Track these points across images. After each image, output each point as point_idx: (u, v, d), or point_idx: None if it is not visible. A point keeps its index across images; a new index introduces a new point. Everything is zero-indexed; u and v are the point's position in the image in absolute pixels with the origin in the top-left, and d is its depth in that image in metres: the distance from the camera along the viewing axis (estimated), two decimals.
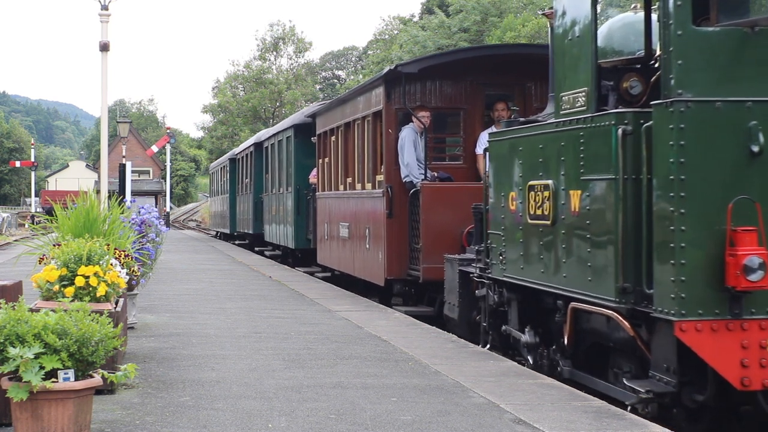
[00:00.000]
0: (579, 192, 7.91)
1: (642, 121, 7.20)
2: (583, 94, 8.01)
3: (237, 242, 37.28)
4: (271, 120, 68.42)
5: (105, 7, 18.11)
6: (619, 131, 7.31)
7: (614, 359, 8.09)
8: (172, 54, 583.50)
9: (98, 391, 6.57)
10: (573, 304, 8.15)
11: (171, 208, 74.23)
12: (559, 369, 8.73)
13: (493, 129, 12.82)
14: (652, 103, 7.14)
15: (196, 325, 11.71)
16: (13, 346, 5.46)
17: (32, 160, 79.95)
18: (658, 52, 7.61)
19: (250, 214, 32.33)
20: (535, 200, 8.79)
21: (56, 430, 5.46)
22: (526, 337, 9.39)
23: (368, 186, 15.36)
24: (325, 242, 18.99)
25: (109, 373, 5.96)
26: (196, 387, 7.76)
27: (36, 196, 75.00)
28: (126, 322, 9.29)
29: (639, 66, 8.11)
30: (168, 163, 65.82)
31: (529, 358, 9.42)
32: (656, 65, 7.85)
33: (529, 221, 8.92)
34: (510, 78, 14.33)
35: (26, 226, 50.00)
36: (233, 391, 7.59)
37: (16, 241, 38.23)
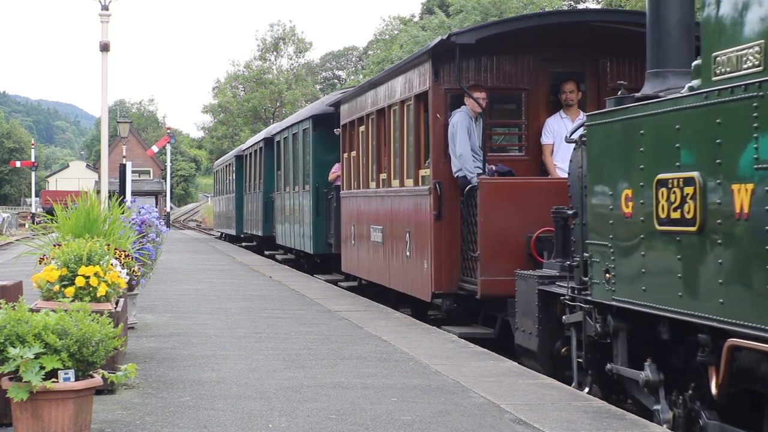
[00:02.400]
0: (749, 187, 5.83)
1: None
2: (757, 49, 5.96)
3: (244, 244, 35.58)
4: (271, 120, 68.38)
5: (105, 7, 18.11)
6: None
7: None
8: (172, 54, 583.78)
9: (98, 391, 6.57)
10: (732, 340, 6.04)
11: (171, 208, 74.24)
12: (701, 422, 6.71)
13: (561, 114, 11.76)
14: None
15: (196, 325, 11.71)
16: (14, 346, 5.46)
17: (32, 160, 79.91)
18: None
19: (259, 214, 30.28)
20: (668, 199, 6.73)
21: (56, 430, 5.46)
22: (646, 373, 7.17)
23: (409, 182, 13.27)
24: (351, 248, 16.92)
25: (109, 373, 5.96)
26: (196, 387, 7.76)
27: (36, 196, 74.97)
28: (126, 322, 9.29)
29: None
30: (168, 163, 65.87)
31: (651, 403, 7.26)
32: None
33: (658, 227, 6.78)
34: (579, 53, 12.18)
35: (26, 226, 50.04)
36: (233, 391, 7.59)
37: (16, 241, 38.23)
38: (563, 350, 8.90)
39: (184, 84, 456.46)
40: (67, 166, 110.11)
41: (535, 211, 10.54)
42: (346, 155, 17.44)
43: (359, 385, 7.91)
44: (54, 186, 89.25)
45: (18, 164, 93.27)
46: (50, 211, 10.79)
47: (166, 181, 65.12)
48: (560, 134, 11.32)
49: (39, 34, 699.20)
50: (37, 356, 5.45)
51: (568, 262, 8.79)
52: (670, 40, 7.72)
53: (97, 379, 5.72)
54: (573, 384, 8.34)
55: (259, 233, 30.23)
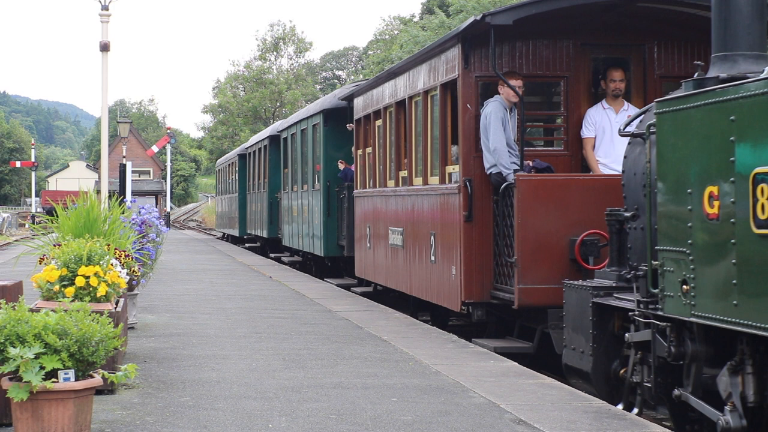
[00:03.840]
0: None
1: None
2: None
3: (247, 245, 34.50)
4: (271, 120, 68.39)
5: (105, 7, 18.12)
6: None
7: None
8: (172, 54, 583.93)
9: (98, 391, 6.57)
10: None
11: (171, 208, 74.26)
12: None
13: (604, 105, 10.78)
14: None
15: (196, 325, 11.71)
16: (14, 346, 5.46)
17: (32, 160, 79.97)
18: None
19: (263, 215, 29.02)
20: None
21: (56, 430, 5.46)
22: (726, 419, 6.20)
23: (433, 180, 12.15)
24: (366, 251, 15.75)
25: (109, 373, 5.96)
26: (196, 387, 7.76)
27: (36, 196, 75.02)
28: (126, 322, 9.30)
29: None
30: (168, 163, 65.89)
31: None
32: None
33: (756, 230, 5.80)
34: (624, 38, 11.14)
35: (26, 226, 50.03)
36: (233, 391, 7.59)
37: (16, 241, 38.24)
38: (622, 372, 7.81)
39: (184, 84, 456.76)
40: (67, 166, 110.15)
41: (579, 212, 9.70)
42: (360, 152, 16.40)
43: (359, 385, 7.91)
44: (54, 186, 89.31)
45: (18, 164, 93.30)
46: (50, 211, 10.80)
47: (166, 181, 65.14)
48: (603, 127, 10.71)
49: (39, 34, 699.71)
50: (37, 356, 5.46)
51: (625, 271, 7.94)
52: (740, 19, 6.88)
53: (97, 379, 5.72)
54: (635, 411, 7.39)
55: (264, 234, 29.13)
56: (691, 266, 6.45)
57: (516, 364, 9.14)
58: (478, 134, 10.68)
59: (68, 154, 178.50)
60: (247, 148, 34.63)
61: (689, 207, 6.45)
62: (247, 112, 74.80)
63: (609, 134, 10.61)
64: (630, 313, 7.45)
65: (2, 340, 5.50)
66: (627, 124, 8.27)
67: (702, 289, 6.36)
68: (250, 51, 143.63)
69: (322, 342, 10.38)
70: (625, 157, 8.23)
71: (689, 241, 6.47)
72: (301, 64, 79.53)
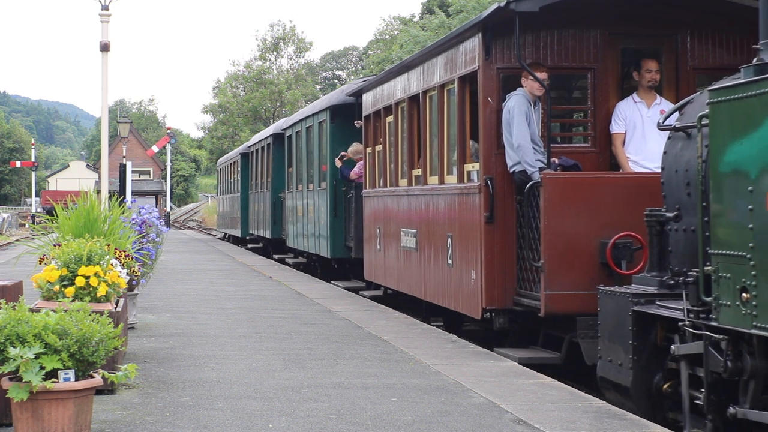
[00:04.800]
0: None
1: None
2: None
3: (250, 246, 33.98)
4: (271, 120, 68.41)
5: (105, 7, 18.11)
6: None
7: None
8: (172, 54, 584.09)
9: (98, 391, 6.57)
10: None
11: (171, 208, 74.27)
12: None
13: (635, 98, 10.15)
14: None
15: (196, 325, 11.71)
16: (14, 346, 5.46)
17: (32, 160, 79.97)
18: None
19: (266, 215, 28.18)
20: None
21: (56, 430, 5.46)
22: None
23: (450, 179, 11.51)
24: (376, 253, 15.06)
25: (109, 373, 5.96)
26: (196, 387, 7.76)
27: (36, 196, 75.03)
28: (126, 322, 9.30)
29: None
30: (168, 163, 65.92)
31: None
32: None
33: None
34: (655, 27, 10.47)
35: (27, 226, 50.03)
36: (233, 391, 7.59)
37: (16, 241, 38.24)
38: (665, 386, 7.17)
39: (184, 84, 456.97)
40: (67, 166, 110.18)
41: (610, 213, 9.08)
42: (369, 150, 15.71)
43: (359, 385, 7.91)
44: (54, 186, 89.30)
45: (18, 164, 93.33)
46: (50, 212, 10.80)
47: (166, 181, 65.15)
48: (634, 122, 10.10)
49: (39, 34, 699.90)
50: (37, 356, 5.46)
51: (667, 277, 7.32)
52: None
53: (97, 379, 5.73)
54: (685, 431, 6.78)
55: (267, 235, 28.36)
56: (753, 272, 5.82)
57: (516, 364, 9.14)
58: (500, 130, 10.08)
59: (68, 154, 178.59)
60: (249, 146, 34.12)
61: (750, 206, 5.83)
62: (247, 112, 74.83)
63: (640, 129, 10.06)
64: (679, 323, 6.73)
65: (2, 340, 5.50)
66: (666, 117, 7.74)
67: (766, 297, 5.73)
68: (250, 51, 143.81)
69: (322, 342, 10.38)
70: (664, 152, 7.60)
71: (750, 245, 5.84)
72: (301, 64, 79.58)
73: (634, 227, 8.80)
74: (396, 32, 73.90)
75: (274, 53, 78.39)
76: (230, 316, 12.68)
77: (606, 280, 8.82)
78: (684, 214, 7.11)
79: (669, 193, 7.55)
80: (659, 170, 8.41)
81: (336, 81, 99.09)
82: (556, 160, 9.96)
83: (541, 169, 9.55)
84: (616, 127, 10.23)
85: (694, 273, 6.56)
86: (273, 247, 28.61)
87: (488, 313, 10.12)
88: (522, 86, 9.98)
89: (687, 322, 6.60)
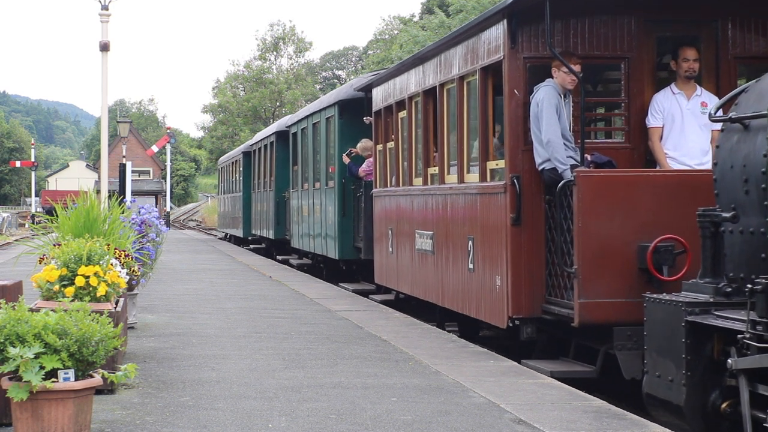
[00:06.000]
0: None
1: None
2: None
3: (252, 247, 33.36)
4: (271, 120, 68.42)
5: (105, 7, 18.11)
6: None
7: None
8: (172, 54, 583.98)
9: (98, 391, 6.57)
10: None
11: (171, 208, 74.29)
12: None
13: (674, 89, 9.46)
14: None
15: (196, 325, 11.71)
16: (14, 346, 5.46)
17: (32, 160, 80.00)
18: None
19: (270, 215, 27.58)
20: None
21: (56, 430, 5.46)
22: None
23: (471, 178, 10.79)
24: (388, 256, 14.36)
25: (109, 372, 5.96)
26: (196, 387, 7.76)
27: (36, 196, 75.07)
28: (126, 322, 9.30)
29: None
30: (168, 163, 65.96)
31: None
32: None
33: None
34: (693, 13, 9.80)
35: (26, 226, 50.07)
36: (233, 391, 7.59)
37: (16, 241, 38.23)
38: (724, 405, 6.44)
39: (184, 84, 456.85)
40: (67, 166, 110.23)
41: (649, 214, 8.39)
42: (380, 146, 14.98)
43: (359, 385, 7.91)
44: (54, 186, 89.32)
45: (18, 164, 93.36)
46: (50, 211, 10.79)
47: (166, 181, 65.19)
48: (672, 115, 9.41)
49: (39, 34, 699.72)
50: (37, 356, 5.46)
51: (723, 284, 6.63)
52: None
53: (97, 379, 5.72)
54: None
55: (270, 235, 27.73)
56: None
57: (515, 363, 9.13)
58: (527, 124, 9.39)
59: (68, 153, 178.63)
60: (251, 145, 33.60)
61: None
62: (247, 111, 74.87)
63: (679, 123, 9.39)
64: (739, 336, 6.07)
65: (2, 340, 5.50)
66: (719, 107, 7.16)
67: None
68: (250, 51, 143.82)
69: (322, 342, 10.38)
70: (717, 146, 6.90)
71: None
72: (301, 64, 79.61)
73: (675, 229, 8.22)
74: (396, 32, 73.90)
75: (274, 53, 78.43)
76: (230, 316, 12.68)
77: (645, 287, 8.13)
78: (741, 214, 6.46)
79: (723, 191, 6.77)
80: (700, 167, 8.02)
81: (336, 81, 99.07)
82: (589, 157, 9.30)
83: (572, 167, 8.89)
84: (653, 121, 9.50)
85: (763, 280, 5.85)
86: (276, 248, 28.16)
87: (514, 322, 9.44)
88: (552, 77, 9.30)
89: (749, 335, 5.93)
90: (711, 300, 6.60)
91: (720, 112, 7.16)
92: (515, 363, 9.14)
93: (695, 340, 6.55)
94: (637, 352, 7.97)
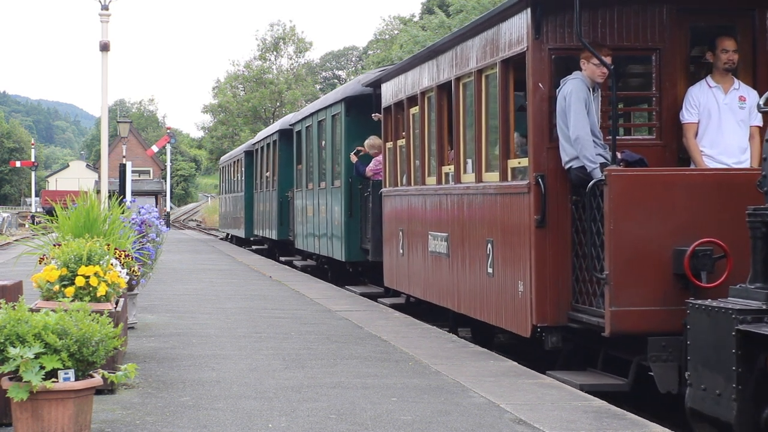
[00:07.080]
0: None
1: None
2: None
3: (254, 248, 32.60)
4: (271, 120, 68.42)
5: (105, 7, 18.12)
6: None
7: None
8: (172, 54, 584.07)
9: (98, 391, 6.57)
10: None
11: (171, 208, 74.29)
12: None
13: (710, 83, 8.90)
14: None
15: (196, 325, 11.71)
16: (14, 346, 5.46)
17: (32, 160, 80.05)
18: None
19: (273, 215, 26.94)
20: None
21: (56, 430, 5.46)
22: None
23: (491, 177, 10.22)
24: (399, 258, 13.84)
25: (109, 373, 5.96)
26: (196, 387, 7.76)
27: (36, 196, 75.07)
28: (126, 322, 9.30)
29: None
30: (168, 163, 65.97)
31: None
32: None
33: None
34: (729, 2, 9.33)
35: (26, 226, 50.06)
36: (233, 391, 7.59)
37: (16, 241, 38.22)
38: None
39: (184, 84, 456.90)
40: (67, 166, 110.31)
41: (686, 216, 7.86)
42: (390, 144, 14.40)
43: (359, 385, 7.92)
44: (54, 186, 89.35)
45: (18, 164, 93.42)
46: (50, 211, 10.79)
47: (166, 181, 65.18)
48: (708, 110, 8.85)
49: (39, 34, 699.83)
50: (37, 356, 5.46)
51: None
52: None
53: (97, 379, 5.73)
54: None
55: (273, 236, 26.99)
56: None
57: (516, 363, 9.13)
58: (553, 120, 8.85)
59: (68, 154, 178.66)
60: (254, 144, 33.03)
61: None
62: (247, 112, 74.87)
63: (716, 119, 8.84)
64: None
65: (2, 340, 5.50)
66: None
67: None
68: (250, 51, 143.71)
69: (322, 342, 10.38)
70: (766, 140, 6.42)
71: None
72: (301, 64, 79.59)
73: (713, 232, 7.75)
74: (396, 32, 73.91)
75: (274, 53, 78.43)
76: (230, 316, 12.68)
77: (681, 294, 7.66)
78: None
79: None
80: (738, 165, 7.68)
81: (336, 81, 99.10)
82: (620, 155, 8.73)
83: (602, 165, 8.33)
84: (688, 117, 8.92)
85: None
86: (279, 249, 27.70)
87: (538, 331, 8.90)
88: (580, 70, 8.76)
89: None
90: (764, 307, 6.15)
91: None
92: (515, 363, 9.14)
93: (747, 350, 6.09)
94: (673, 364, 7.61)
